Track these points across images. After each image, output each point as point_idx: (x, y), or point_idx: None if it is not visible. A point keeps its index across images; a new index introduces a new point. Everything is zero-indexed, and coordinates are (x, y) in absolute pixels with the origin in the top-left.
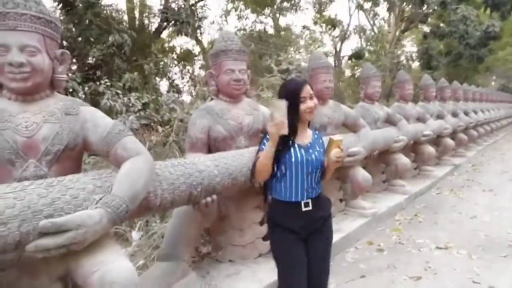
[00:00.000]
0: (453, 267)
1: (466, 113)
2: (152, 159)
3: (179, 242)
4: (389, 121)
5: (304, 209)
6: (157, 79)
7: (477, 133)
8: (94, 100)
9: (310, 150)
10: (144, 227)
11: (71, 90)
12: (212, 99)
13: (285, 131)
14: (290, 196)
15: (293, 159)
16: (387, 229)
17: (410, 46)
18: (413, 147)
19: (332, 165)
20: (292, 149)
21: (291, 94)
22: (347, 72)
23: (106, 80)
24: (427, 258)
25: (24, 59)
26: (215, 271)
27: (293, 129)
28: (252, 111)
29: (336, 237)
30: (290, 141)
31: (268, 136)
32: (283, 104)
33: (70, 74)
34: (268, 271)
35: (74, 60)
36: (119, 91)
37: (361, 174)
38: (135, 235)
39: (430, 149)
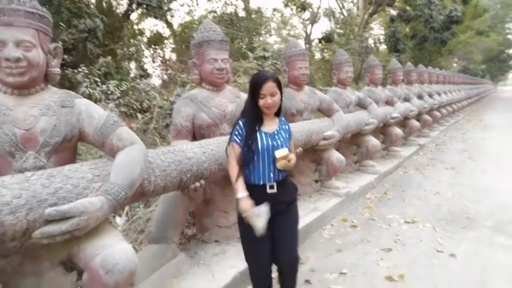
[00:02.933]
0: (419, 239)
1: (430, 95)
2: (145, 148)
3: (168, 225)
4: (360, 105)
5: (269, 191)
6: (129, 63)
7: (440, 114)
8: (67, 88)
9: (276, 137)
10: (129, 212)
11: None
12: (192, 87)
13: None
14: (258, 179)
15: (259, 145)
16: (360, 207)
17: (377, 29)
18: (382, 129)
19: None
20: (258, 136)
21: (253, 88)
22: (317, 55)
23: (84, 67)
24: (396, 232)
25: (20, 54)
26: (202, 251)
27: (259, 118)
28: (234, 99)
29: (313, 216)
30: (255, 129)
31: (239, 125)
32: (265, 213)
33: None
34: None
35: None
36: (97, 79)
37: (335, 156)
38: (119, 220)
39: (397, 131)
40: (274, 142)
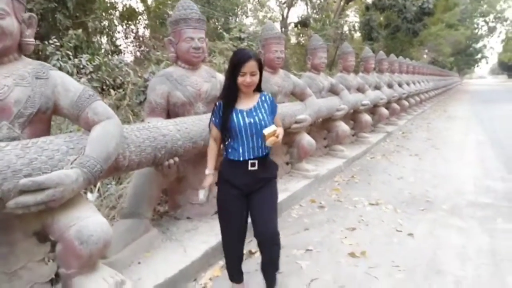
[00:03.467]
0: (381, 219)
1: (400, 85)
2: (120, 123)
3: (142, 201)
4: (333, 91)
5: (250, 168)
6: (101, 38)
7: (408, 104)
8: (37, 59)
9: (254, 113)
10: (100, 188)
11: None
12: (167, 64)
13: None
14: (238, 155)
15: (235, 124)
16: (328, 189)
17: (353, 16)
18: (352, 115)
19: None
20: (234, 115)
21: (234, 64)
22: (293, 40)
23: (55, 40)
24: (360, 213)
25: None
26: (174, 227)
27: (234, 97)
28: (210, 78)
29: (283, 196)
30: (230, 108)
31: (217, 107)
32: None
33: None
34: None
35: None
36: (69, 52)
37: (306, 140)
38: (90, 196)
39: (367, 117)
40: (252, 119)
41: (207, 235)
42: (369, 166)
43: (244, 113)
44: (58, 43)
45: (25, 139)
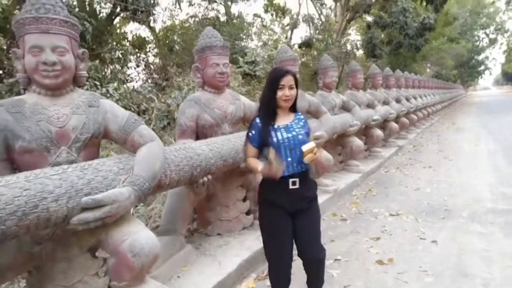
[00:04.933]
0: (404, 229)
1: (407, 99)
2: (163, 144)
3: (177, 218)
4: (345, 108)
5: (291, 187)
6: (115, 67)
7: (416, 117)
8: None
9: (291, 129)
10: (131, 210)
11: None
12: (189, 90)
13: (279, 175)
14: None
15: (274, 139)
16: (347, 202)
17: (354, 35)
18: (364, 131)
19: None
20: (273, 131)
21: (273, 80)
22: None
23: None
24: (382, 223)
25: (56, 59)
26: (207, 243)
27: (273, 113)
28: (234, 101)
29: None
30: (269, 123)
31: (254, 124)
32: (281, 166)
33: None
34: (254, 240)
35: None
36: (97, 82)
37: (324, 155)
38: None
39: (378, 132)
40: (290, 134)
41: (239, 248)
42: (385, 179)
43: (282, 129)
44: (87, 75)
45: (81, 162)
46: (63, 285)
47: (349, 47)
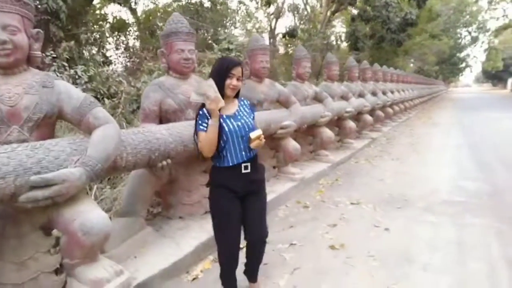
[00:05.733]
0: (361, 216)
1: (384, 93)
2: (118, 127)
3: (136, 200)
4: (317, 99)
5: (243, 171)
6: (91, 49)
7: (392, 111)
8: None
9: (239, 117)
10: (96, 192)
11: None
12: (159, 74)
13: (222, 103)
14: (231, 161)
15: (226, 128)
16: (313, 191)
17: (340, 27)
18: (337, 122)
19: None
20: (222, 121)
21: (223, 67)
22: (281, 50)
23: (52, 51)
24: (342, 211)
25: (6, 37)
26: (167, 226)
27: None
28: None
29: (270, 197)
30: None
31: (202, 113)
32: (212, 83)
33: None
34: None
35: None
36: (65, 63)
37: (292, 145)
38: None
39: (351, 124)
40: (239, 122)
41: (198, 232)
42: (353, 170)
43: (231, 118)
44: (54, 54)
45: (33, 141)
46: (13, 262)
47: (333, 38)
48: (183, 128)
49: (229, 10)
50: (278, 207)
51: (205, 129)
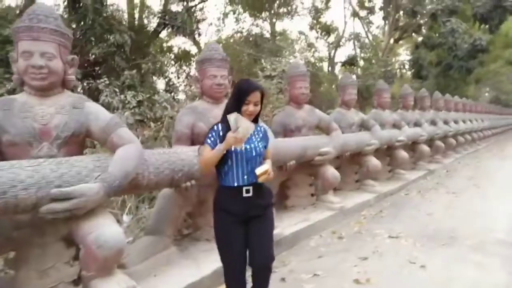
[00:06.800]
0: (397, 251)
1: (446, 122)
2: (141, 147)
3: (163, 220)
4: (364, 126)
5: (245, 195)
6: (154, 77)
7: (456, 142)
8: (92, 96)
9: (250, 141)
10: (134, 211)
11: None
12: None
13: (241, 146)
14: (232, 181)
15: (232, 149)
16: (352, 222)
17: (405, 55)
18: (388, 152)
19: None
20: None
21: (240, 93)
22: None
23: (106, 78)
24: (377, 244)
25: (43, 63)
26: (193, 247)
27: None
28: None
29: (303, 225)
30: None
31: (216, 128)
32: (250, 126)
33: None
34: None
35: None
36: (116, 89)
37: (330, 172)
38: (125, 218)
39: (403, 154)
40: (247, 146)
41: None
42: (401, 202)
43: None
44: (108, 82)
45: (61, 157)
46: (36, 270)
47: (397, 66)
48: None
49: (289, 41)
50: (312, 236)
51: (211, 143)
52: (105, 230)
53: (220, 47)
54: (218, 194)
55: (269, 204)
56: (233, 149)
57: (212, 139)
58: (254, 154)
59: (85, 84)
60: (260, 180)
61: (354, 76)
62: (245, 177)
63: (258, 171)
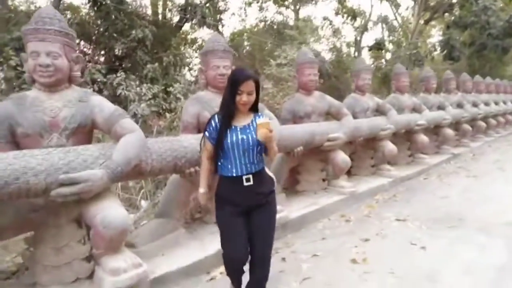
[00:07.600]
0: (400, 234)
1: (475, 105)
2: (143, 135)
3: (171, 204)
4: (380, 111)
5: (245, 184)
6: (175, 69)
7: (486, 125)
8: (113, 89)
9: (247, 130)
10: (151, 196)
11: (98, 80)
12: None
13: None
14: (231, 171)
15: (228, 140)
16: (363, 206)
17: (438, 36)
18: (407, 136)
19: (267, 143)
20: (228, 131)
21: (232, 83)
22: (369, 63)
23: (122, 72)
24: (383, 227)
25: (50, 62)
26: (202, 229)
27: (231, 114)
28: None
29: (310, 209)
30: (227, 124)
31: (214, 123)
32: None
33: (97, 66)
34: None
35: (102, 53)
36: (132, 82)
37: (340, 157)
38: (143, 203)
39: (423, 138)
40: (244, 136)
41: None
42: (417, 187)
43: (238, 130)
44: (124, 75)
45: (69, 147)
46: (52, 247)
47: (427, 48)
48: None
49: (311, 28)
50: (320, 220)
51: (208, 136)
52: (111, 212)
53: (222, 38)
54: (219, 185)
55: (271, 192)
56: (229, 140)
57: (209, 130)
58: (250, 144)
59: (108, 78)
60: (259, 134)
61: (383, 61)
62: (244, 166)
63: (259, 121)
